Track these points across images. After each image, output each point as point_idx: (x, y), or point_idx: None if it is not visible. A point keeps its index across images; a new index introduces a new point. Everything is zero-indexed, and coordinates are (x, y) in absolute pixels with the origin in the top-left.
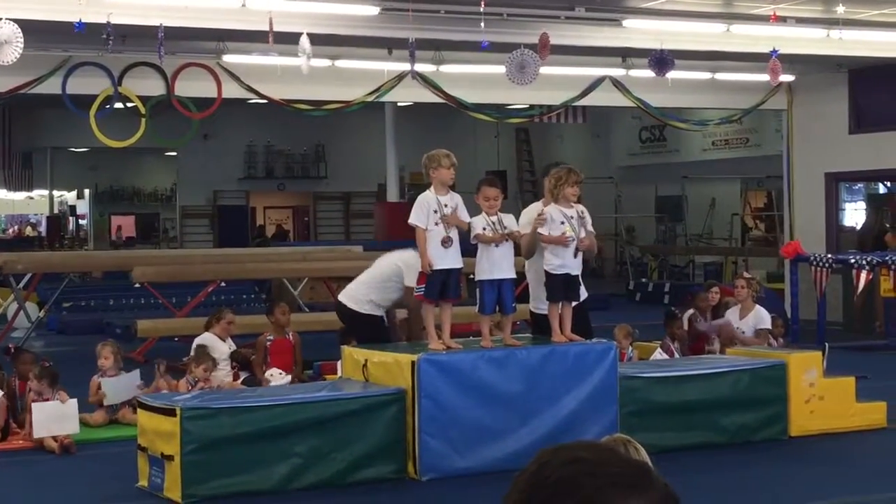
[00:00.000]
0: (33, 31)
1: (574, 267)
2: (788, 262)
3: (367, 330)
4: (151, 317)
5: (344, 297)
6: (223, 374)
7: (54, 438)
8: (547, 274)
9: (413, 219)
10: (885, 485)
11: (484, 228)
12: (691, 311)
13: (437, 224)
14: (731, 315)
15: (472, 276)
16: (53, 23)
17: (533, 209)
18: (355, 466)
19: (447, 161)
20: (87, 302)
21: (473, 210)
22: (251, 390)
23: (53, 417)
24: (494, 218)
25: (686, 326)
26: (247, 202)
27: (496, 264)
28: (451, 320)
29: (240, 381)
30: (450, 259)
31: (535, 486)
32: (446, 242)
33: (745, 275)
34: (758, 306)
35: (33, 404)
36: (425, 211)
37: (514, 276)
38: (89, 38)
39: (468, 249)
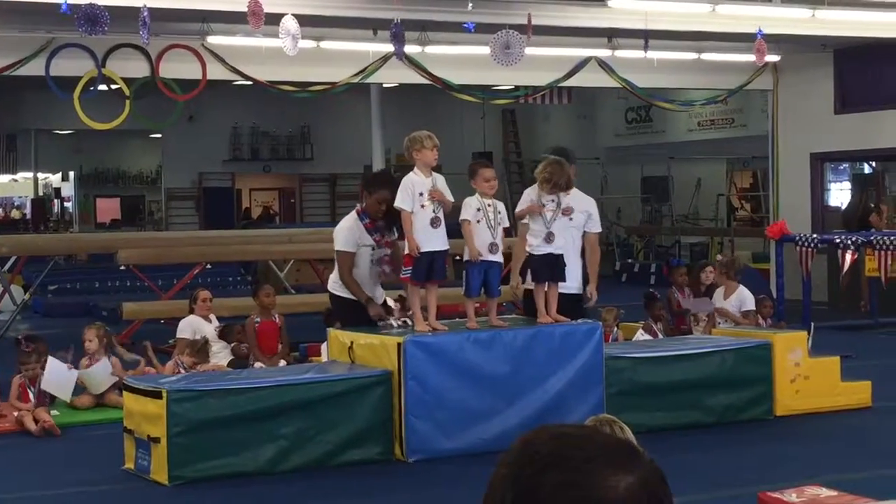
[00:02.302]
0: (17, 12)
1: (557, 247)
2: (774, 242)
3: (346, 312)
4: (137, 299)
5: (329, 282)
6: (214, 352)
7: (35, 421)
8: (530, 255)
9: (399, 202)
10: (871, 463)
11: (478, 209)
12: (671, 289)
13: (422, 206)
14: (718, 296)
15: (458, 258)
16: (37, 4)
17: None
18: (342, 448)
19: (430, 142)
20: (72, 284)
21: (458, 192)
22: (237, 372)
23: (57, 380)
24: (489, 201)
25: (668, 304)
26: (232, 184)
27: (484, 248)
28: (437, 301)
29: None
30: (436, 241)
31: (522, 462)
32: (436, 223)
33: (719, 257)
34: (741, 287)
35: (49, 358)
36: (410, 193)
37: (501, 260)
38: (73, 20)
39: (454, 231)
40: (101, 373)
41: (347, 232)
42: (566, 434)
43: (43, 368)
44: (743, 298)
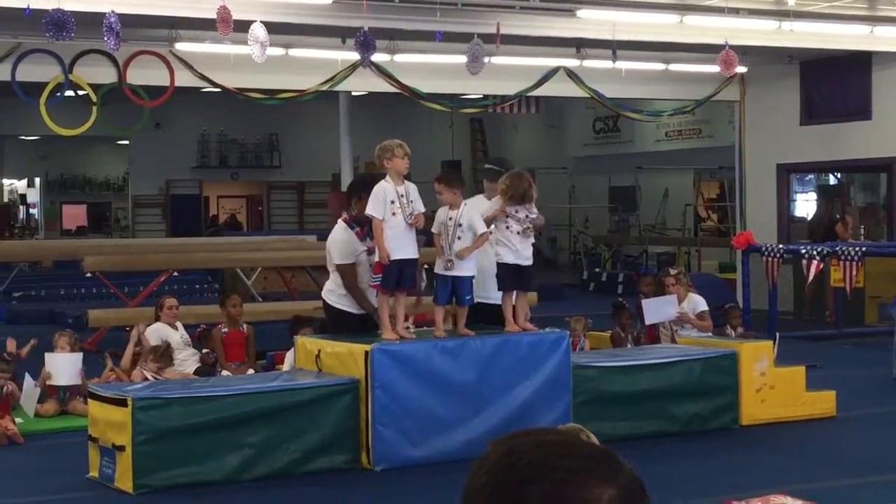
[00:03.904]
0: None
1: (525, 258)
2: (740, 252)
3: (342, 322)
4: (103, 306)
5: (324, 291)
6: (181, 359)
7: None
8: (498, 265)
9: (370, 209)
10: (835, 472)
11: (441, 222)
12: (640, 296)
13: (393, 214)
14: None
15: (426, 267)
16: (2, 8)
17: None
18: (308, 457)
19: (401, 151)
20: (37, 291)
21: (428, 201)
22: (203, 380)
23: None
24: (451, 213)
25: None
26: (200, 191)
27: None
28: (405, 310)
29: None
30: (407, 249)
31: (505, 471)
32: (407, 232)
33: (671, 270)
34: (691, 293)
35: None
36: (382, 201)
37: (473, 272)
38: (39, 25)
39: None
40: (71, 363)
41: (343, 244)
42: (549, 442)
43: (12, 380)
44: (696, 302)
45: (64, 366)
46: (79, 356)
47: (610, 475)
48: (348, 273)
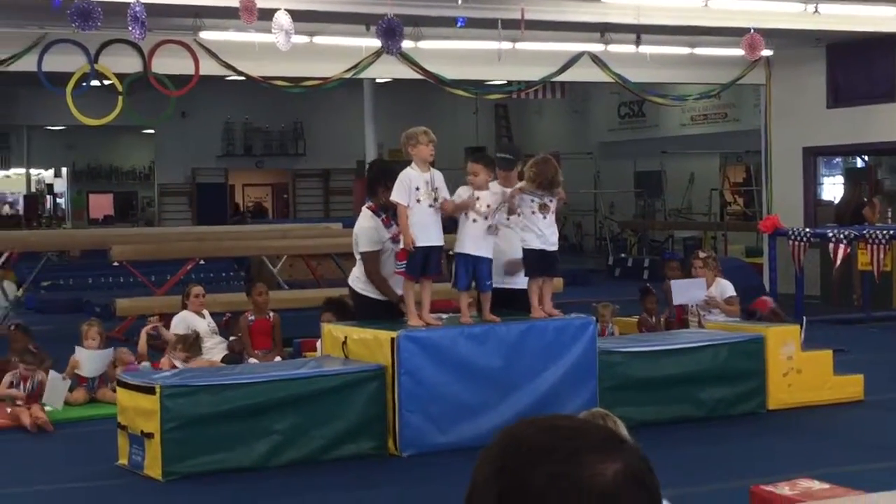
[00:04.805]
0: (8, 7)
1: (551, 243)
2: (767, 236)
3: (369, 309)
4: (130, 295)
5: (350, 278)
6: (208, 347)
7: (29, 415)
8: (524, 250)
9: (395, 196)
10: (863, 456)
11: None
12: (667, 281)
13: (418, 201)
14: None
15: (450, 252)
16: None
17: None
18: (335, 443)
19: (425, 138)
20: (65, 281)
21: (452, 187)
22: (231, 368)
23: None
24: (478, 194)
25: (666, 297)
26: (225, 180)
27: (475, 241)
28: (431, 296)
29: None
30: (432, 236)
31: (507, 455)
32: (432, 218)
33: (701, 254)
34: (718, 278)
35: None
36: (406, 188)
37: (490, 255)
38: (65, 15)
39: (448, 226)
40: (100, 358)
41: (370, 231)
42: (552, 426)
43: (45, 372)
44: (723, 287)
45: (93, 360)
46: (108, 352)
47: (613, 451)
48: (371, 260)
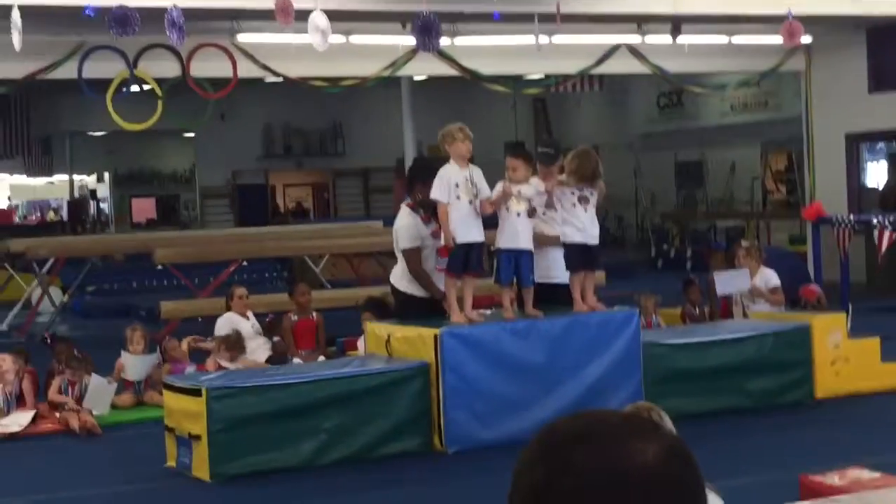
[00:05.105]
0: (47, 15)
1: (592, 237)
2: (810, 224)
3: (411, 307)
4: (174, 298)
5: (392, 276)
6: (253, 349)
7: (78, 419)
8: (565, 244)
9: (435, 193)
10: None
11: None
12: (711, 272)
13: (458, 198)
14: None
15: (492, 248)
16: (66, 7)
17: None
18: (381, 441)
19: (461, 134)
20: (110, 285)
21: (491, 182)
22: (275, 368)
23: (98, 395)
24: (516, 189)
25: (708, 288)
26: (266, 181)
27: (516, 235)
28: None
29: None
30: (473, 233)
31: (549, 442)
32: (472, 215)
33: (744, 243)
34: (762, 267)
35: (94, 375)
36: (446, 185)
37: (531, 247)
38: (103, 22)
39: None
40: (147, 362)
41: (410, 229)
42: (590, 414)
43: (89, 374)
44: (767, 277)
45: (138, 364)
46: (153, 356)
47: (652, 434)
48: (413, 258)
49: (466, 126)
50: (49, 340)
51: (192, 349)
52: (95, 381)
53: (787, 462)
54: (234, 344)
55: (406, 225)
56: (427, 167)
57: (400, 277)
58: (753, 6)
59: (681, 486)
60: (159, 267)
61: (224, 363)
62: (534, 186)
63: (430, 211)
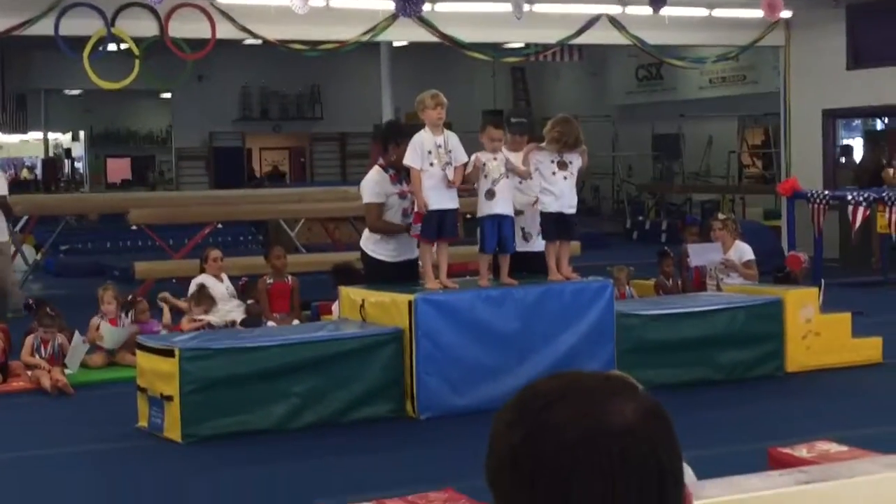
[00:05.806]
0: None
1: (569, 206)
2: (785, 199)
3: (380, 272)
4: (148, 259)
5: (362, 241)
6: (227, 310)
7: (49, 378)
8: (542, 213)
9: (407, 160)
10: (881, 419)
11: (485, 164)
12: (684, 245)
13: (431, 165)
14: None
15: (469, 216)
16: None
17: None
18: (353, 406)
19: (432, 102)
20: (84, 244)
21: (470, 150)
22: (249, 331)
23: (74, 353)
24: (493, 157)
25: (680, 260)
26: (242, 144)
27: (496, 202)
28: (447, 259)
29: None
30: (446, 199)
31: (525, 403)
32: (444, 181)
33: (720, 216)
34: (737, 241)
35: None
36: (419, 151)
37: (512, 213)
38: None
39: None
40: (124, 333)
41: (374, 185)
42: (566, 375)
43: (61, 332)
44: (742, 251)
45: (115, 334)
46: (132, 328)
47: (629, 392)
48: (373, 212)
49: (441, 93)
50: (34, 306)
51: (170, 306)
52: (77, 340)
53: (757, 434)
54: (202, 298)
55: (372, 180)
56: (401, 130)
57: (367, 240)
58: None
59: (658, 446)
60: (133, 227)
61: (199, 316)
62: (503, 157)
63: (404, 175)
